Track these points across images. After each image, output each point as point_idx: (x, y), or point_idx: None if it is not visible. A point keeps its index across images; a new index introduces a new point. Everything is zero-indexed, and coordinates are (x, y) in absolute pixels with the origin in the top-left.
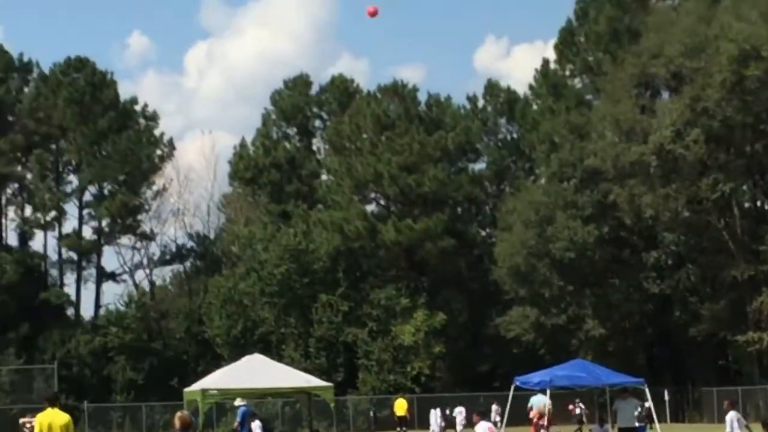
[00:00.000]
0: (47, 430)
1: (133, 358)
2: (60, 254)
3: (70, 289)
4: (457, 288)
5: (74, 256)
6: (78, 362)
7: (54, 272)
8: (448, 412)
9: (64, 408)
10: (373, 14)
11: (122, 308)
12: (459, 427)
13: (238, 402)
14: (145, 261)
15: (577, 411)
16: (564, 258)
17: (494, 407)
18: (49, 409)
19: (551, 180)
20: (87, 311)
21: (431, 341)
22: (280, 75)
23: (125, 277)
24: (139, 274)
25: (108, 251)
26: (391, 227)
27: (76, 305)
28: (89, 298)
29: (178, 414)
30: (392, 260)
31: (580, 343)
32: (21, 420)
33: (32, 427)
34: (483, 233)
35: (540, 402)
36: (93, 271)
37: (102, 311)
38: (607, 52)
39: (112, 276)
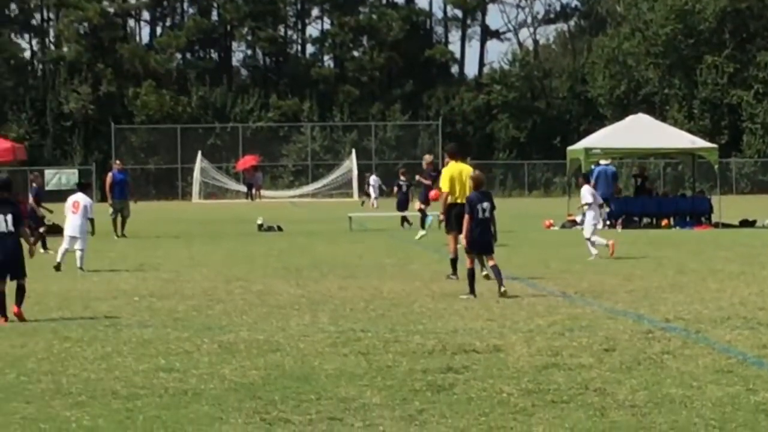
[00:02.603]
0: (457, 180)
1: (516, 116)
2: (445, 11)
3: (454, 47)
4: None
5: (459, 13)
6: (461, 119)
7: (439, 30)
8: None
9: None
10: None
11: (506, 66)
12: None
13: (603, 161)
14: (529, 19)
15: None
16: None
17: None
18: (452, 162)
19: None
20: (471, 69)
21: None
22: None
23: (509, 35)
24: (523, 33)
25: (493, 9)
26: None
27: (461, 63)
28: (473, 56)
29: (472, 174)
30: None
31: None
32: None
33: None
34: None
35: None
36: (477, 29)
37: (486, 69)
38: None
39: (497, 34)
